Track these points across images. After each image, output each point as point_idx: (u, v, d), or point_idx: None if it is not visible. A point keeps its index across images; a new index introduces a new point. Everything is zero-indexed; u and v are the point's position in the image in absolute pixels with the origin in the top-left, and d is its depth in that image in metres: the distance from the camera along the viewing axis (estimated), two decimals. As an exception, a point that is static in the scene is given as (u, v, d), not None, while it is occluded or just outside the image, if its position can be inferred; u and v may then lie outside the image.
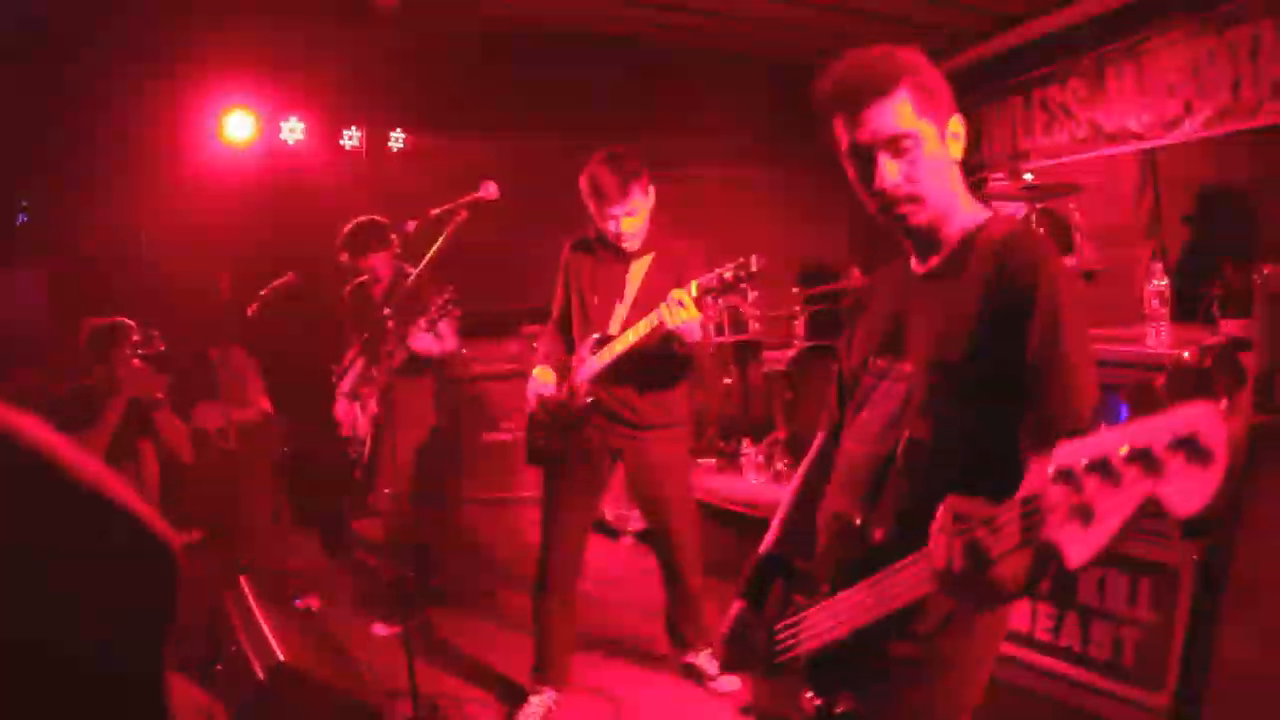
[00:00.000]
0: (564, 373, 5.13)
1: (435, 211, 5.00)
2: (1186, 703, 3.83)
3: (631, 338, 4.80)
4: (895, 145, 2.36)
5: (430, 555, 7.10)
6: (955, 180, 2.47)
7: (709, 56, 10.05)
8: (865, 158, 2.40)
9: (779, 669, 2.64)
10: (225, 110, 8.50)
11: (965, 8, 8.32)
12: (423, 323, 6.14)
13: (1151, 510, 1.41)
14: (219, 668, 4.39)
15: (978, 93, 8.95)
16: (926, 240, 2.49)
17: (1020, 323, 2.21)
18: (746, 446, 7.80)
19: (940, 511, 1.89)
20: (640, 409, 5.09)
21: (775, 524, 2.96)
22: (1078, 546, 1.52)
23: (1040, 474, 1.61)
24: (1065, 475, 1.52)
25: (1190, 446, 1.35)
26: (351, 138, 9.44)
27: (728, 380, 8.70)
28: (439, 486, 7.10)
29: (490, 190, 4.86)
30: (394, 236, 6.83)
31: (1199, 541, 3.91)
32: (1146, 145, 7.67)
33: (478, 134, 7.27)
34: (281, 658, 4.05)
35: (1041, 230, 6.40)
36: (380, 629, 6.72)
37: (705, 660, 5.48)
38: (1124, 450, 1.42)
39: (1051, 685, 4.27)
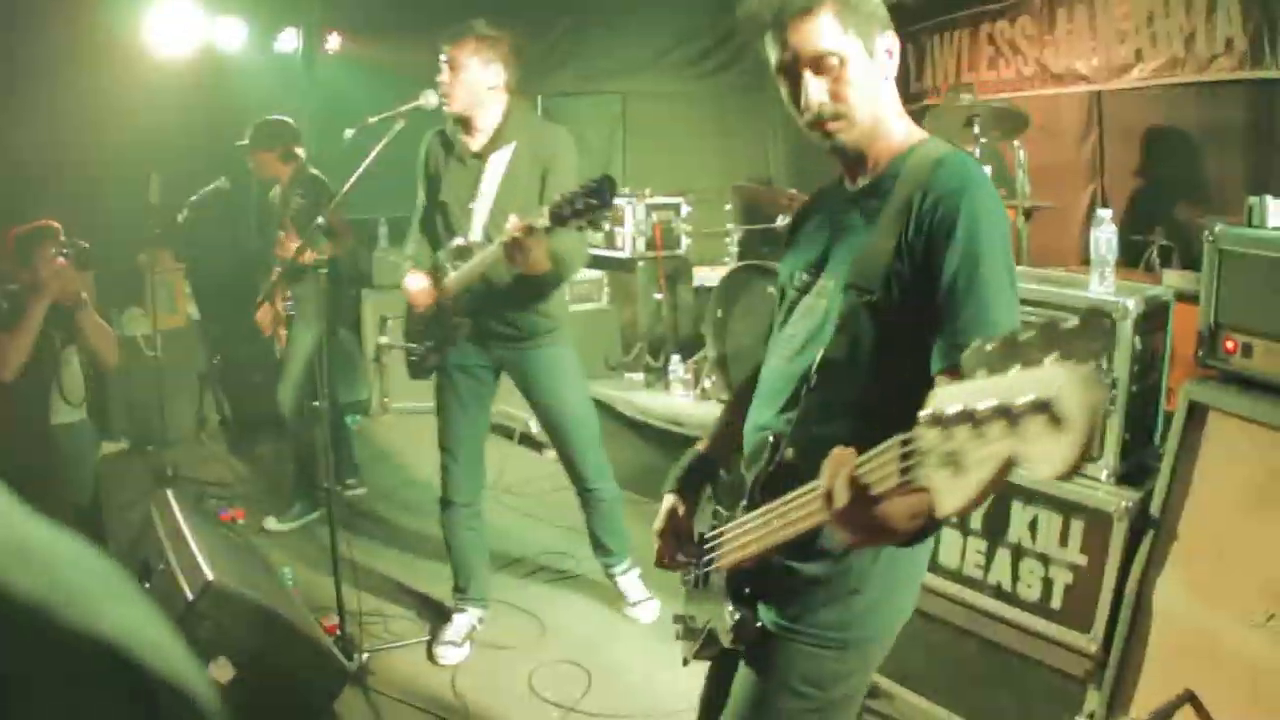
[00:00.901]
0: (435, 278, 4.93)
1: (373, 119, 4.89)
2: (1114, 647, 3.89)
3: (477, 266, 4.64)
4: (819, 63, 2.33)
5: (323, 457, 7.04)
6: (886, 99, 2.45)
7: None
8: (792, 75, 2.38)
9: (704, 579, 2.69)
10: (158, 8, 8.29)
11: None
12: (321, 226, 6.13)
13: (1013, 468, 1.40)
14: (147, 585, 4.31)
15: (927, 21, 8.92)
16: (855, 159, 2.47)
17: (939, 249, 2.21)
18: (674, 363, 7.77)
19: (835, 450, 1.88)
20: (515, 320, 4.94)
21: (710, 430, 2.97)
22: (946, 495, 1.52)
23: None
24: (938, 419, 1.50)
25: (1049, 411, 1.32)
26: (287, 40, 9.28)
27: (658, 296, 8.63)
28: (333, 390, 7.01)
29: (430, 99, 4.72)
30: (296, 144, 6.82)
31: (1133, 489, 3.96)
32: (1094, 89, 7.67)
33: (413, 37, 7.14)
34: (210, 576, 4.00)
35: (974, 154, 6.41)
36: (271, 523, 6.83)
37: (627, 581, 5.49)
38: (989, 405, 1.40)
39: (979, 622, 4.30)
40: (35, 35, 7.86)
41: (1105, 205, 7.39)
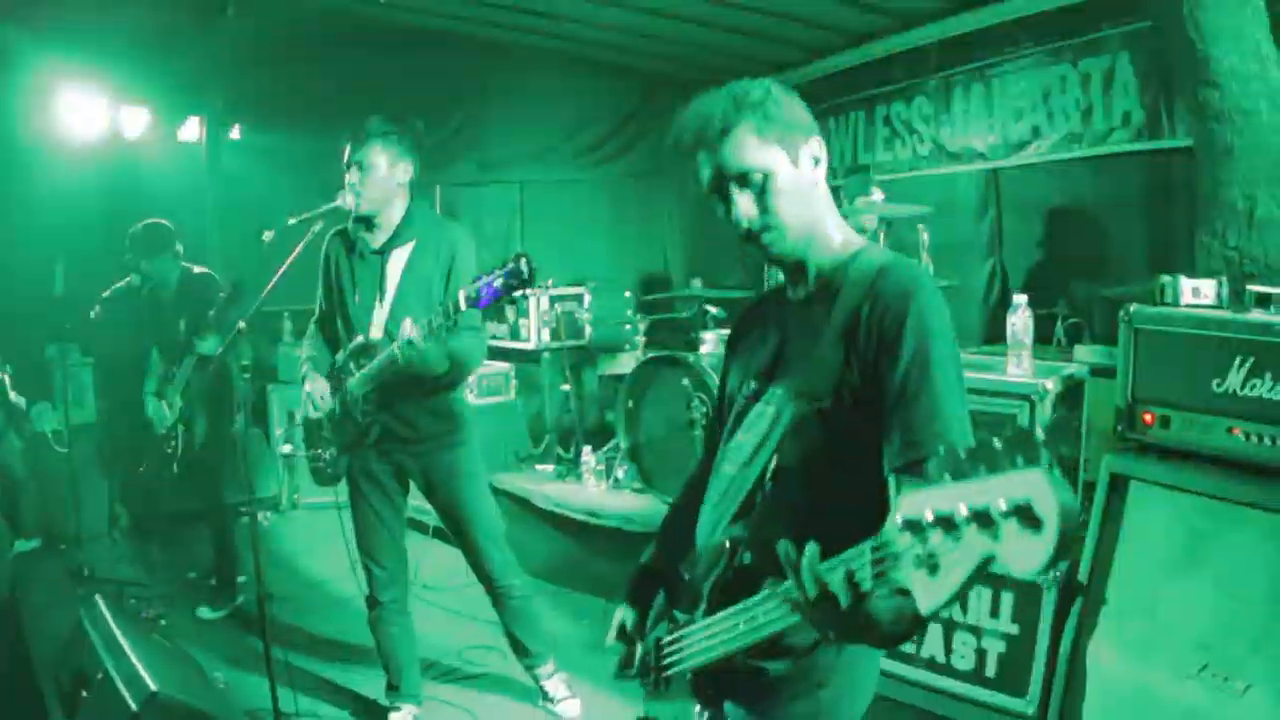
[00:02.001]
0: (335, 382, 4.94)
1: (292, 220, 4.84)
2: (1051, 709, 4.01)
3: (380, 365, 4.62)
4: (744, 179, 2.38)
5: (232, 548, 7.07)
6: (819, 204, 2.48)
7: (545, 58, 10.11)
8: (721, 193, 2.43)
9: (665, 682, 2.70)
10: (64, 94, 8.27)
11: (815, 27, 8.47)
12: (211, 320, 6.35)
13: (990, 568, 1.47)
14: (84, 695, 4.26)
15: (823, 104, 9.11)
16: (795, 267, 2.51)
17: (889, 352, 2.22)
18: (586, 454, 7.81)
19: (807, 549, 1.89)
20: (414, 422, 4.91)
21: (657, 537, 3.00)
22: (925, 595, 1.57)
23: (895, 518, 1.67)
24: (912, 525, 1.56)
25: (1023, 513, 1.39)
26: (191, 130, 9.27)
27: (564, 386, 8.70)
28: (235, 486, 7.01)
29: (346, 200, 4.72)
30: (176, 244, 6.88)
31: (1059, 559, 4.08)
32: (991, 166, 7.90)
33: (316, 126, 7.16)
34: (153, 686, 3.98)
35: (881, 240, 6.56)
36: (205, 612, 6.91)
37: (550, 682, 5.45)
38: (964, 509, 1.46)
39: (915, 694, 4.42)
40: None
41: (1005, 280, 7.61)
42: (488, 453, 5.55)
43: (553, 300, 8.83)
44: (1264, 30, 5.01)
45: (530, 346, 8.89)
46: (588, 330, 8.99)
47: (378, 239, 4.87)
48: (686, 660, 2.53)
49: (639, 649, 2.82)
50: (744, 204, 2.39)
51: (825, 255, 2.47)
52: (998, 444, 1.47)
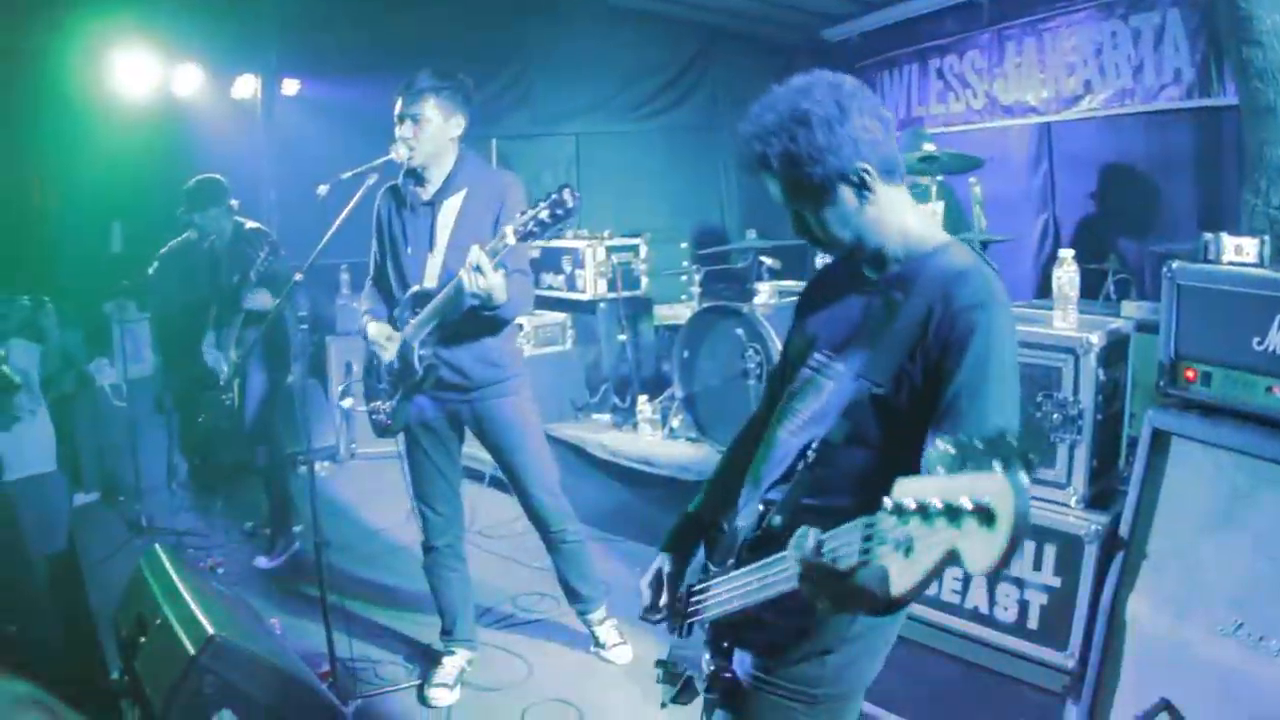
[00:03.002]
0: (392, 332, 5.00)
1: (346, 174, 4.90)
2: (1092, 663, 4.03)
3: (436, 305, 4.70)
4: (796, 213, 2.52)
5: (287, 498, 7.18)
6: (875, 216, 2.47)
7: (605, 10, 10.11)
8: (785, 205, 2.54)
9: (688, 629, 2.83)
10: (117, 58, 8.32)
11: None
12: (253, 278, 6.41)
13: (954, 561, 1.58)
14: (142, 641, 4.35)
15: (876, 57, 9.07)
16: (867, 255, 2.54)
17: (952, 359, 2.28)
18: (641, 404, 7.86)
19: (799, 532, 2.02)
20: (468, 371, 4.95)
21: (705, 487, 3.05)
22: (898, 575, 1.68)
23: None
24: (898, 509, 1.65)
25: (983, 514, 1.51)
26: (244, 86, 9.31)
27: (621, 336, 8.76)
28: (291, 437, 7.11)
29: (399, 152, 4.75)
30: (230, 199, 7.00)
31: (1102, 512, 4.11)
32: (1043, 120, 7.85)
33: (369, 81, 7.20)
34: (211, 630, 4.05)
35: (932, 190, 6.54)
36: (262, 561, 7.02)
37: (603, 628, 5.53)
38: (939, 502, 1.57)
39: (959, 645, 4.44)
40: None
41: (1057, 235, 7.57)
42: (544, 402, 5.61)
43: (609, 251, 8.89)
44: None
45: (587, 297, 8.94)
46: (644, 281, 9.06)
47: (428, 191, 4.92)
48: (707, 610, 2.66)
49: (667, 594, 2.91)
50: (810, 227, 2.51)
51: (900, 246, 2.50)
52: (979, 445, 1.59)
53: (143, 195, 8.34)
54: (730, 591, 2.50)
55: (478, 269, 4.30)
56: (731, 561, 2.57)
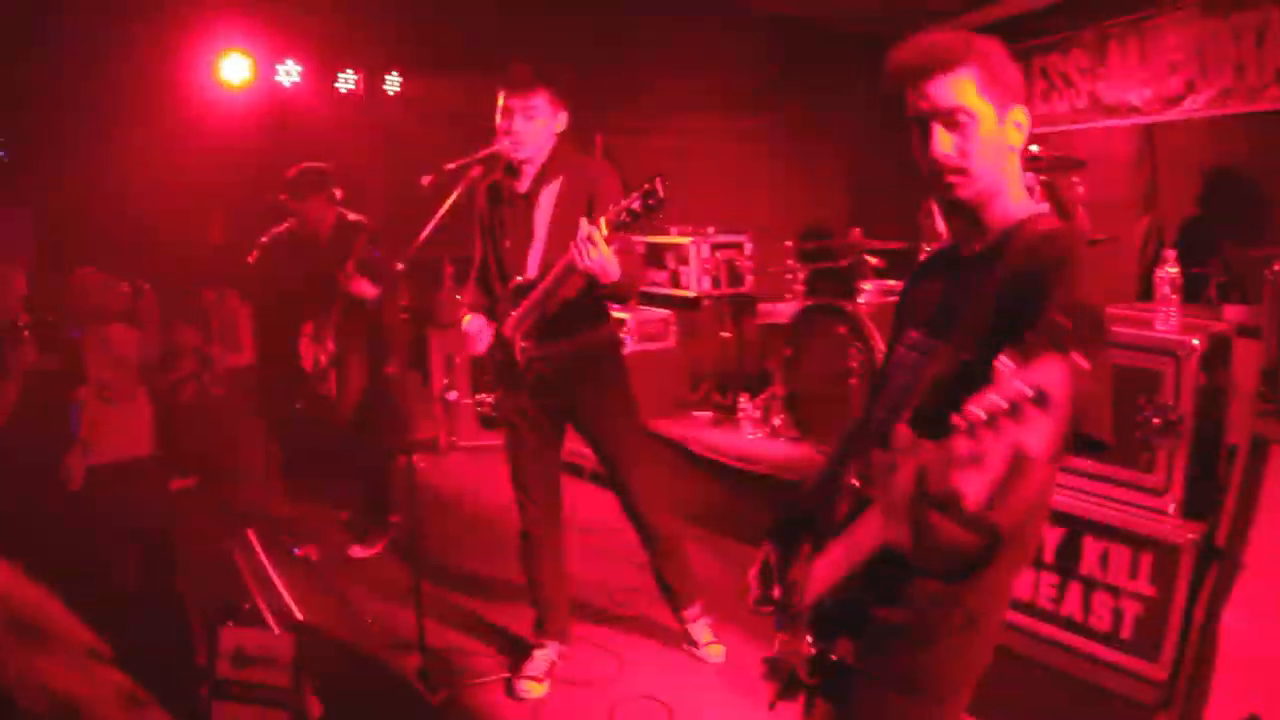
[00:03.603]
0: (494, 326, 5.02)
1: (450, 166, 4.90)
2: (1184, 675, 3.96)
3: (539, 294, 4.71)
4: (951, 118, 2.43)
5: (383, 489, 7.23)
6: (1009, 167, 2.52)
7: (712, 6, 9.98)
8: (923, 126, 2.47)
9: (792, 618, 2.77)
10: (220, 52, 8.45)
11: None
12: (350, 267, 6.48)
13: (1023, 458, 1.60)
14: (232, 624, 4.40)
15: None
16: (971, 219, 2.54)
17: (1032, 312, 2.20)
18: (744, 401, 7.84)
19: (896, 437, 2.04)
20: (568, 364, 4.97)
21: (809, 479, 3.03)
22: (974, 489, 1.68)
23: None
24: (969, 429, 1.67)
25: (1041, 397, 1.54)
26: (347, 80, 9.41)
27: (724, 334, 8.78)
28: (390, 427, 7.15)
29: (504, 146, 4.78)
30: (335, 188, 7.04)
31: (1199, 521, 4.04)
32: (1146, 120, 7.71)
33: (473, 75, 7.23)
34: (299, 615, 4.11)
35: (1082, 231, 6.47)
36: (356, 550, 7.04)
37: (696, 626, 5.48)
38: (1003, 402, 1.59)
39: (1051, 653, 4.39)
40: (101, 78, 8.03)
41: (1160, 237, 7.44)
42: (646, 399, 5.60)
43: (714, 248, 8.90)
44: None
45: (691, 294, 8.96)
46: (748, 278, 9.05)
47: (524, 183, 4.94)
48: (807, 593, 2.66)
49: (773, 586, 2.90)
50: (944, 141, 2.45)
51: (1000, 216, 2.51)
52: (1038, 337, 1.74)
53: (244, 185, 8.45)
54: (827, 570, 2.52)
55: (589, 240, 4.27)
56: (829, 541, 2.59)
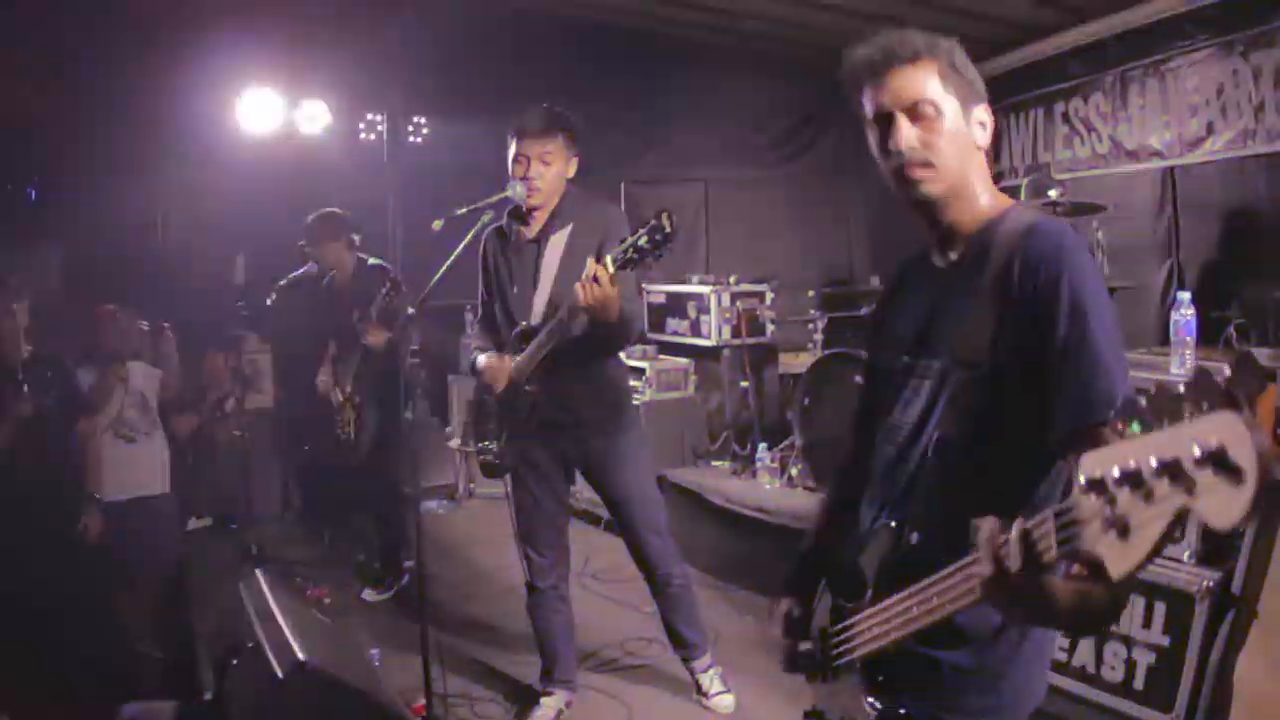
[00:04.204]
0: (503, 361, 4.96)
1: (461, 210, 4.88)
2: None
3: (544, 339, 4.66)
4: (915, 110, 2.34)
5: (398, 533, 7.21)
6: (976, 164, 2.42)
7: (729, 56, 10.06)
8: (885, 120, 2.38)
9: (835, 673, 2.61)
10: (246, 93, 8.50)
11: (992, 20, 8.35)
12: (373, 314, 6.49)
13: (1185, 522, 1.37)
14: (234, 663, 4.40)
15: (1001, 103, 8.95)
16: (941, 222, 2.43)
17: (1046, 311, 2.16)
18: (761, 451, 7.78)
19: (986, 523, 1.79)
20: (577, 409, 4.92)
21: (815, 526, 2.94)
22: (1117, 559, 1.46)
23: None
24: (1097, 486, 1.47)
25: (1218, 460, 1.28)
26: (372, 125, 9.45)
27: (744, 383, 8.73)
28: (401, 473, 7.14)
29: (516, 190, 4.75)
30: (355, 233, 7.17)
31: (1214, 569, 3.97)
32: (1167, 164, 7.69)
33: (497, 123, 7.29)
34: (300, 656, 4.06)
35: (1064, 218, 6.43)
36: (369, 594, 7.09)
37: (706, 675, 5.40)
38: (1153, 463, 1.36)
39: (1063, 705, 4.31)
40: (128, 120, 8.09)
41: (1182, 282, 7.39)
42: (664, 448, 5.58)
43: (734, 297, 8.89)
44: None
45: (711, 343, 8.95)
46: (769, 327, 9.04)
47: (532, 228, 4.93)
48: (857, 649, 2.45)
49: (804, 641, 2.73)
50: (910, 133, 2.34)
51: (973, 216, 2.42)
52: (1181, 390, 1.38)
53: (267, 229, 8.51)
54: (883, 624, 2.29)
55: (595, 279, 4.24)
56: (869, 593, 2.42)
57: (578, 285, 4.31)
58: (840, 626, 2.53)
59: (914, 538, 2.36)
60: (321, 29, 8.32)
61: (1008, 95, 8.97)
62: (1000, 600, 1.81)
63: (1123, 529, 1.43)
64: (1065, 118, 8.58)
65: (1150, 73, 7.73)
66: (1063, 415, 2.11)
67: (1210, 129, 7.25)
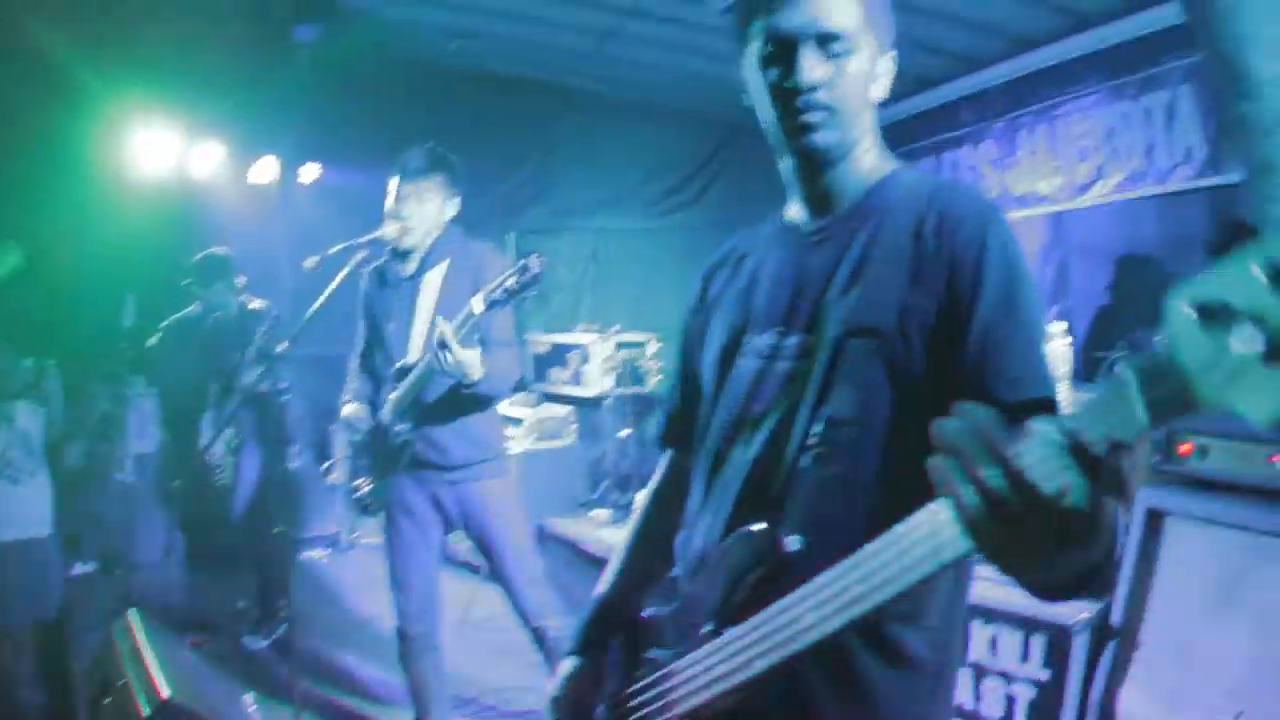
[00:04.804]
0: (375, 410, 4.97)
1: (334, 249, 4.92)
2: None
3: (413, 380, 4.63)
4: (826, 44, 1.98)
5: (276, 579, 7.06)
6: (871, 120, 2.12)
7: (620, 106, 10.19)
8: (787, 50, 2.00)
9: None
10: (138, 133, 8.40)
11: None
12: (250, 354, 6.41)
13: None
14: (106, 702, 4.29)
15: (894, 152, 9.06)
16: (822, 178, 2.11)
17: (970, 275, 1.87)
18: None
19: (959, 419, 1.35)
20: (447, 448, 4.84)
21: (614, 567, 2.45)
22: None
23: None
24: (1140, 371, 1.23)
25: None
26: (263, 169, 9.37)
27: (624, 432, 8.74)
28: (279, 518, 7.06)
29: (390, 230, 4.75)
30: (237, 275, 7.15)
31: (1090, 601, 3.97)
32: (1056, 209, 7.82)
33: (388, 171, 7.31)
34: (165, 694, 3.97)
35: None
36: (249, 641, 6.99)
37: None
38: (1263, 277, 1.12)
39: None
40: (15, 155, 7.95)
41: (1069, 325, 7.49)
42: (545, 496, 5.51)
43: (618, 346, 8.97)
44: None
45: (592, 393, 9.02)
46: (652, 379, 9.05)
47: (409, 266, 4.92)
48: (687, 699, 1.90)
49: (589, 706, 2.28)
50: (818, 68, 1.98)
51: (861, 173, 2.11)
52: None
53: (158, 270, 8.39)
54: (744, 651, 1.76)
55: (443, 345, 4.23)
56: (711, 625, 1.91)
57: (429, 347, 4.34)
58: (651, 680, 2.05)
59: (792, 543, 1.88)
60: (215, 71, 8.26)
61: (899, 144, 9.05)
62: (1016, 532, 1.32)
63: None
64: (954, 165, 8.70)
65: (1040, 118, 7.88)
66: (997, 387, 1.80)
67: (1100, 173, 7.39)
